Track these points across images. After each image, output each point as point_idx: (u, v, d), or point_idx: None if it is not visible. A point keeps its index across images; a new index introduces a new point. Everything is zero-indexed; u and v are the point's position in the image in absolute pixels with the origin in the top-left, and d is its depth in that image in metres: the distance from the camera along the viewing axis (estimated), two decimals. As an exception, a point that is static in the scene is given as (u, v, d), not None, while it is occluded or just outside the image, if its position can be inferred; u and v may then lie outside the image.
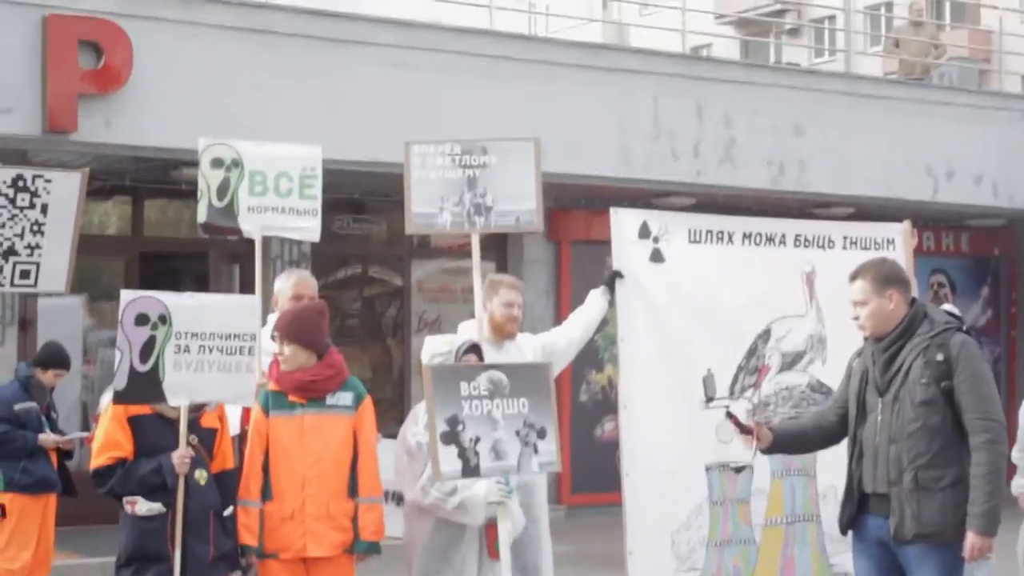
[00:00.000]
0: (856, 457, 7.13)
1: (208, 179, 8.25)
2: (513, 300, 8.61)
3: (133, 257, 16.26)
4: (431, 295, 18.01)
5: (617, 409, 8.58)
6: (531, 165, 8.21)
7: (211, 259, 16.64)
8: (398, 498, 7.93)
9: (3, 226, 6.39)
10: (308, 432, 7.49)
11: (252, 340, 7.33)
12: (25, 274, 6.49)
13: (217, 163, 8.26)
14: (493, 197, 8.13)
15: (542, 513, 8.75)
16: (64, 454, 10.80)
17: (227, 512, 7.35)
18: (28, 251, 6.45)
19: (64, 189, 6.50)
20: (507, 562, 6.97)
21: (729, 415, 7.29)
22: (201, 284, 16.04)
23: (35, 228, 6.45)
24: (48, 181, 6.46)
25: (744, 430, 7.23)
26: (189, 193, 13.51)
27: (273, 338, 7.58)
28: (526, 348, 8.61)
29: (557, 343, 8.86)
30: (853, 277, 7.15)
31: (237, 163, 8.27)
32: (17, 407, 10.46)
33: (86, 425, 13.21)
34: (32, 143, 13.38)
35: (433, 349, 7.69)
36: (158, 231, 16.86)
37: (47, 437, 10.51)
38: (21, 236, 6.43)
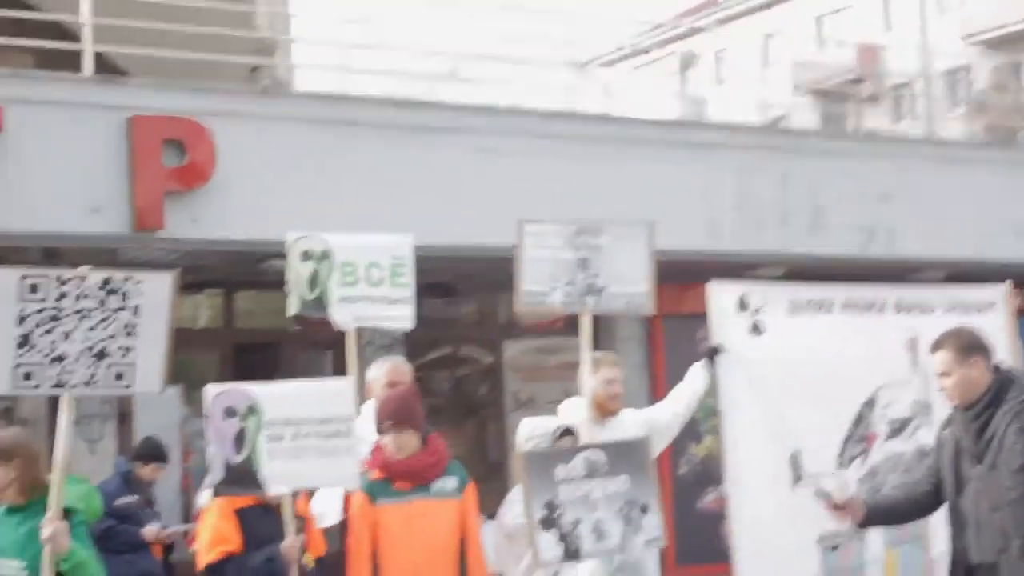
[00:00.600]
0: (958, 528, 6.97)
1: (298, 272, 8.23)
2: (614, 377, 8.58)
3: (227, 349, 16.36)
4: (524, 374, 18.01)
5: (717, 481, 8.49)
6: (644, 248, 8.17)
7: (303, 348, 16.71)
8: None
9: (94, 329, 6.37)
10: (417, 519, 7.46)
11: (348, 422, 7.28)
12: (119, 376, 6.47)
13: (306, 256, 8.24)
14: (605, 278, 8.06)
15: None
16: (167, 548, 10.79)
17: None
18: (122, 353, 6.44)
19: (155, 290, 6.49)
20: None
21: (819, 493, 7.16)
22: (294, 373, 16.03)
23: (128, 330, 6.43)
24: (139, 283, 6.45)
25: (836, 507, 7.11)
26: (279, 284, 13.61)
27: (382, 429, 7.49)
28: (630, 424, 8.54)
29: (660, 419, 8.80)
30: (935, 348, 7.04)
31: (326, 255, 8.26)
32: (118, 502, 10.50)
33: (186, 517, 13.21)
34: (121, 242, 13.49)
35: (528, 432, 7.63)
36: (250, 322, 16.97)
37: (150, 530, 10.51)
38: (113, 338, 6.41)
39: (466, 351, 18.25)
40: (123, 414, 15.61)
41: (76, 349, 6.35)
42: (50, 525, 6.19)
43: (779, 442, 8.50)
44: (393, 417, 7.50)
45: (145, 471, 10.81)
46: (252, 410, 7.17)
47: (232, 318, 16.69)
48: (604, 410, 8.44)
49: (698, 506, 17.02)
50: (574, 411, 8.47)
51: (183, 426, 15.76)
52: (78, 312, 6.35)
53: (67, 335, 6.33)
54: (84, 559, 6.30)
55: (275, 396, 7.29)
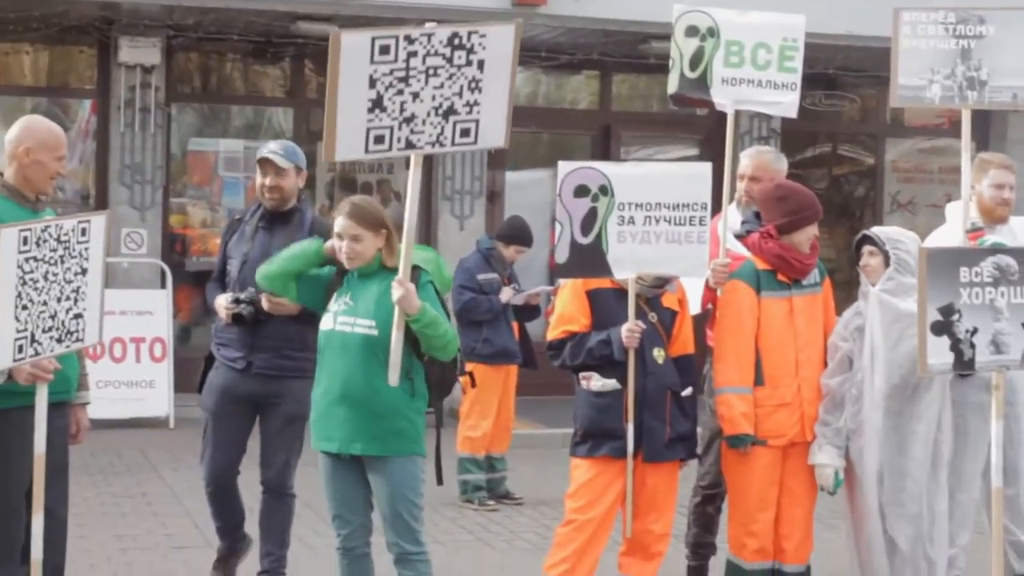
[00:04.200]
0: None
1: (681, 48, 7.86)
2: (1004, 181, 7.99)
3: (600, 131, 16.25)
4: (905, 175, 17.39)
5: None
6: None
7: (674, 134, 16.57)
8: None
9: (442, 86, 6.21)
10: (798, 314, 7.16)
11: (704, 210, 6.97)
12: (465, 132, 6.32)
13: (692, 31, 7.86)
14: (988, 71, 7.53)
15: None
16: (526, 313, 10.76)
17: (685, 393, 7.06)
18: (467, 109, 6.26)
19: (499, 42, 6.27)
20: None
21: None
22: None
23: (472, 85, 6.24)
24: (483, 36, 6.23)
25: None
26: (657, 67, 13.24)
27: (794, 221, 7.12)
28: (1020, 232, 7.98)
29: None
30: None
31: (713, 32, 7.85)
32: (480, 277, 10.53)
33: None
34: (501, 17, 13.38)
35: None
36: (625, 105, 16.77)
37: (506, 291, 10.52)
38: (460, 95, 6.24)
39: (845, 149, 17.70)
40: (493, 193, 15.73)
41: (425, 109, 6.20)
42: (400, 286, 6.13)
43: None
44: (809, 211, 7.19)
45: (507, 252, 10.75)
46: (604, 190, 6.91)
47: (608, 100, 16.50)
48: (991, 216, 7.90)
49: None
50: (957, 215, 7.96)
51: (554, 209, 15.77)
52: (426, 71, 6.17)
53: (416, 95, 6.17)
54: (433, 317, 6.21)
55: (629, 177, 7.00)
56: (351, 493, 6.42)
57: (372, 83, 6.08)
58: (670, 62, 7.86)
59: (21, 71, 15.14)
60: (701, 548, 7.94)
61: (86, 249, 5.66)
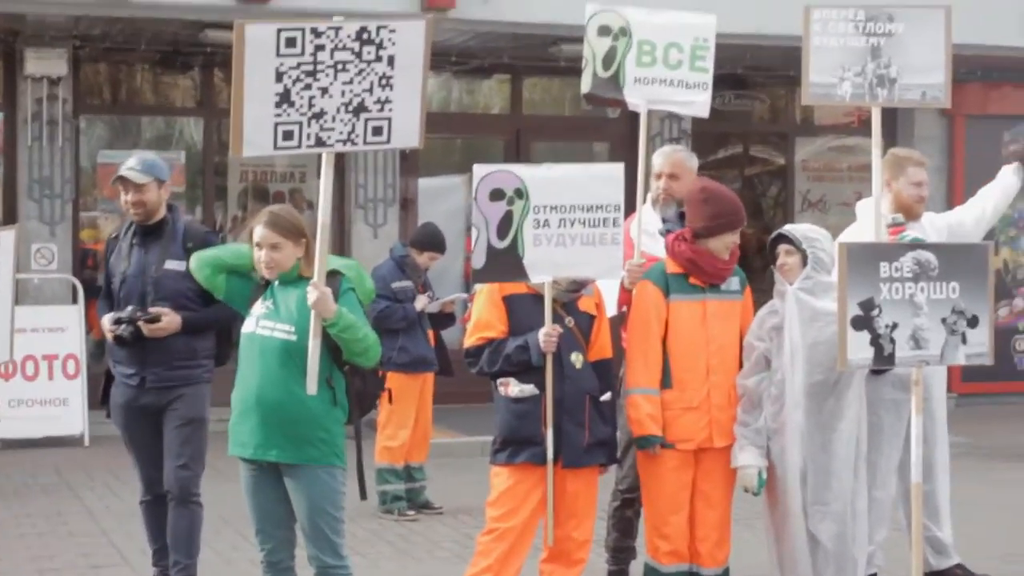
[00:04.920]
0: None
1: (594, 48, 7.87)
2: (922, 179, 8.14)
3: (512, 135, 16.22)
4: (815, 174, 17.51)
5: (1011, 295, 7.96)
6: (941, 35, 7.66)
7: (585, 137, 16.59)
8: None
9: (351, 82, 6.15)
10: (711, 318, 7.13)
11: (617, 211, 6.96)
12: (377, 131, 6.27)
13: (604, 31, 7.88)
14: (898, 68, 7.62)
15: (940, 406, 8.29)
16: (441, 321, 10.70)
17: (604, 398, 7.03)
18: (378, 107, 6.21)
19: (409, 38, 6.22)
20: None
21: None
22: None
23: (383, 82, 6.19)
24: (392, 32, 6.17)
25: None
26: (568, 70, 13.25)
27: (711, 227, 7.08)
28: (930, 229, 8.05)
29: (964, 221, 8.33)
30: None
31: (625, 32, 7.88)
32: (395, 285, 10.44)
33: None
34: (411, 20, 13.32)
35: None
36: (537, 109, 16.75)
37: (421, 299, 10.44)
38: (370, 91, 6.18)
39: (756, 150, 17.78)
40: (406, 200, 15.66)
41: (334, 104, 6.14)
42: (315, 288, 6.07)
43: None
44: (728, 217, 7.17)
45: (421, 259, 10.68)
46: (520, 193, 6.86)
47: (519, 104, 16.48)
48: (909, 213, 7.97)
49: (990, 320, 16.35)
50: (867, 213, 8.01)
51: (468, 214, 15.74)
52: (334, 65, 6.11)
53: (324, 91, 6.11)
54: (352, 322, 6.14)
55: (543, 180, 6.95)
56: (273, 507, 6.35)
57: (279, 76, 6.03)
58: (583, 62, 7.88)
59: (-75, 87, 14.92)
60: (621, 552, 7.93)
61: None
